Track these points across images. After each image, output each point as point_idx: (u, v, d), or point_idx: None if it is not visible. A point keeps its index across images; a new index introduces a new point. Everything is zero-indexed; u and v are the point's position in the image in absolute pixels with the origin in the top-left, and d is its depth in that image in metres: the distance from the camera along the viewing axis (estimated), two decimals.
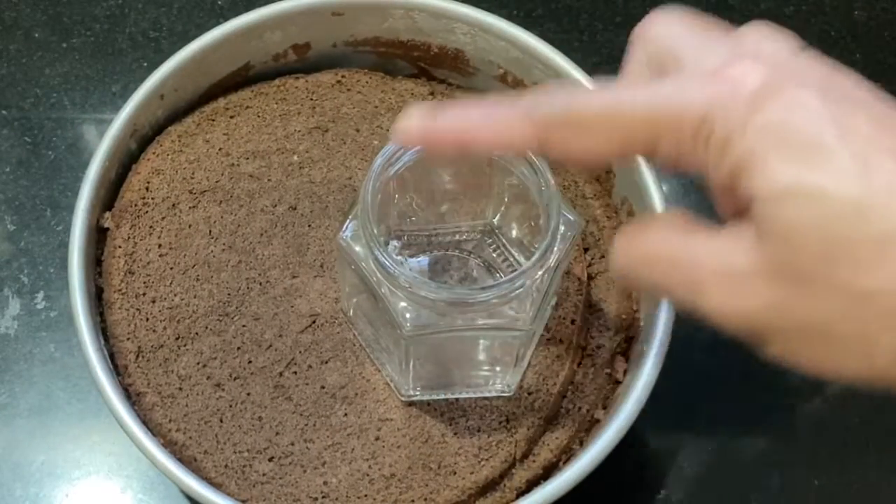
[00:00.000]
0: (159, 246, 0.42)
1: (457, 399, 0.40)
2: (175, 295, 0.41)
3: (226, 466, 0.38)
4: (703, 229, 0.28)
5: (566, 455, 0.40)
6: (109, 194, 0.44)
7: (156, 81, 0.44)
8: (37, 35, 0.54)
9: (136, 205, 0.43)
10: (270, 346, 0.40)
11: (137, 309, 0.41)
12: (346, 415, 0.39)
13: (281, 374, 0.40)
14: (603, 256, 0.43)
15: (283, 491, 0.38)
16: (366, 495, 0.38)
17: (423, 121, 0.30)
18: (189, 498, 0.42)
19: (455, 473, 0.38)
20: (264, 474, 0.38)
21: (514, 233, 0.40)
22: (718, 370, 0.47)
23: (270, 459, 0.38)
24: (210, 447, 0.39)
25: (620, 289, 0.42)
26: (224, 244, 0.42)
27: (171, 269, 0.42)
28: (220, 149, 0.45)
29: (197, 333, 0.41)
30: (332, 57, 0.48)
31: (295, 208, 0.43)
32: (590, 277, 0.43)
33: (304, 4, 0.45)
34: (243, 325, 0.41)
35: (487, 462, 0.39)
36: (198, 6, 0.56)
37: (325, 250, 0.42)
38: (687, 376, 0.46)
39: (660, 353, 0.38)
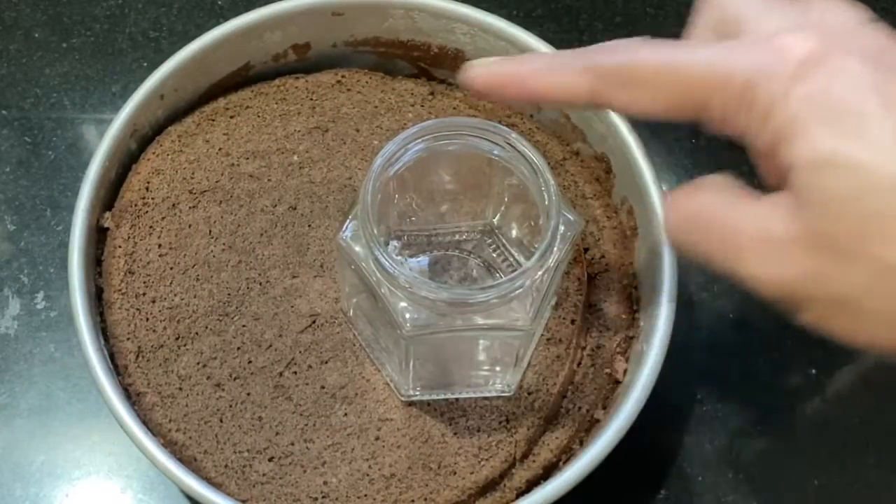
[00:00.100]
0: (159, 246, 0.42)
1: (457, 399, 0.40)
2: (175, 295, 0.41)
3: (226, 466, 0.38)
4: (747, 195, 0.28)
5: (566, 455, 0.40)
6: (109, 194, 0.44)
7: (156, 81, 0.44)
8: (37, 35, 0.54)
9: (136, 205, 0.43)
10: (270, 346, 0.40)
11: (137, 309, 0.41)
12: (346, 415, 0.39)
13: (281, 374, 0.40)
14: (603, 256, 0.43)
15: (283, 491, 0.38)
16: (366, 495, 0.38)
17: (489, 67, 0.31)
18: (189, 498, 0.42)
19: (455, 473, 0.38)
20: (264, 474, 0.38)
21: (514, 233, 0.40)
22: (718, 370, 0.47)
23: (270, 459, 0.38)
24: (210, 447, 0.39)
25: (620, 288, 0.43)
26: (224, 244, 0.42)
27: (171, 269, 0.42)
28: (220, 149, 0.45)
29: (197, 333, 0.41)
30: (332, 57, 0.48)
31: (295, 208, 0.43)
32: (590, 277, 0.43)
33: (304, 4, 0.45)
34: (243, 325, 0.41)
35: (487, 462, 0.39)
36: (198, 6, 0.56)
37: (325, 250, 0.42)
38: (687, 376, 0.46)
39: (660, 353, 0.38)
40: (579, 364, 0.41)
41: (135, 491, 0.44)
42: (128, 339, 0.40)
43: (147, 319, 0.41)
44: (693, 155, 0.52)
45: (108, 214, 0.43)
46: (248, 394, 0.40)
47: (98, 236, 0.43)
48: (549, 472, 0.39)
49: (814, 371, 0.47)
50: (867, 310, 0.26)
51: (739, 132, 0.28)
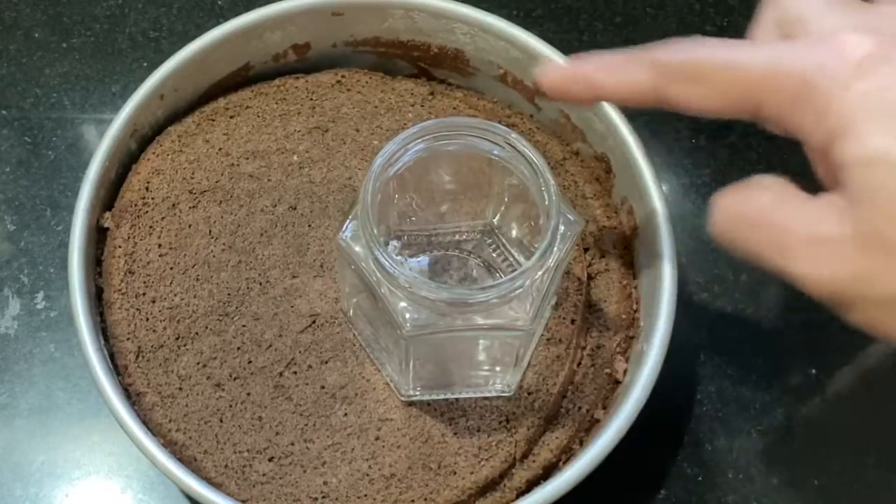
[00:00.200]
0: (159, 246, 0.42)
1: (457, 399, 0.40)
2: (175, 295, 0.41)
3: (226, 466, 0.38)
4: (798, 194, 0.28)
5: (566, 455, 0.40)
6: (109, 194, 0.44)
7: (156, 81, 0.44)
8: (37, 35, 0.54)
9: (136, 205, 0.43)
10: (270, 346, 0.40)
11: (137, 309, 0.41)
12: (346, 415, 0.39)
13: (281, 374, 0.40)
14: (603, 256, 0.43)
15: (283, 491, 0.38)
16: (366, 495, 0.38)
17: (557, 67, 0.33)
18: (189, 498, 0.42)
19: (455, 473, 0.38)
20: (264, 474, 0.38)
21: (514, 233, 0.40)
22: (718, 370, 0.47)
23: (270, 459, 0.38)
24: (210, 447, 0.39)
25: (620, 288, 0.43)
26: (224, 244, 0.42)
27: (171, 269, 0.42)
28: (220, 149, 0.45)
29: (197, 333, 0.41)
30: (332, 57, 0.48)
31: (295, 208, 0.43)
32: (590, 277, 0.43)
33: (304, 4, 0.45)
34: (243, 325, 0.41)
35: (487, 462, 0.39)
36: (198, 6, 0.56)
37: (325, 250, 0.42)
38: (687, 376, 0.46)
39: (660, 353, 0.38)
40: (579, 364, 0.41)
41: (135, 491, 0.44)
42: (128, 339, 0.40)
43: (147, 319, 0.41)
44: (693, 155, 0.52)
45: (108, 214, 0.43)
46: (248, 394, 0.40)
47: (98, 236, 0.43)
48: (549, 472, 0.39)
49: (814, 371, 0.47)
50: None
51: (795, 130, 0.28)
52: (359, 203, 0.34)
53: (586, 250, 0.43)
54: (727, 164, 0.51)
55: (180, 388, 0.40)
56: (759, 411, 0.46)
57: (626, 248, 0.44)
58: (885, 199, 0.25)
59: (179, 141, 0.45)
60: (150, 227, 0.43)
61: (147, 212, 0.43)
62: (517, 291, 0.33)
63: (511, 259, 0.40)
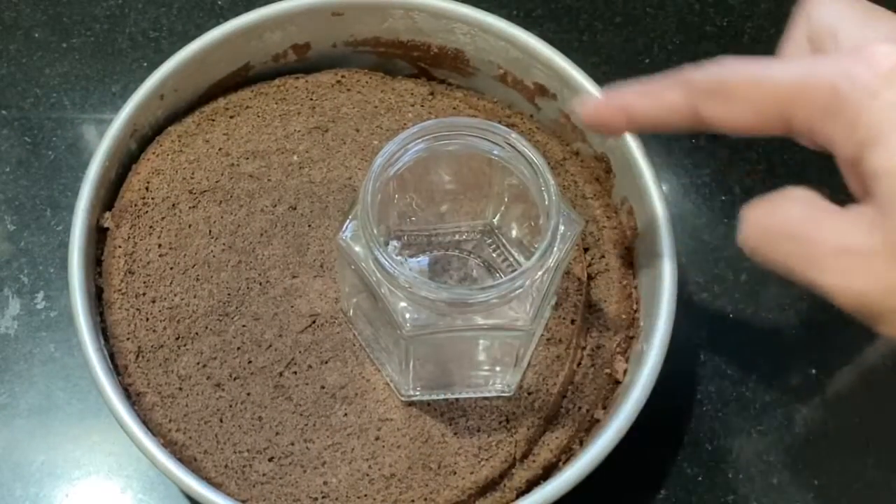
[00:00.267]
0: (159, 246, 0.42)
1: (457, 399, 0.40)
2: (175, 295, 0.41)
3: (226, 466, 0.38)
4: (828, 206, 0.28)
5: (566, 455, 0.40)
6: (109, 194, 0.44)
7: (156, 81, 0.44)
8: (37, 35, 0.54)
9: (136, 205, 0.43)
10: (270, 346, 0.40)
11: (137, 309, 0.41)
12: (346, 415, 0.39)
13: (281, 374, 0.40)
14: (603, 256, 0.43)
15: (283, 491, 0.38)
16: (366, 495, 0.38)
17: (595, 101, 0.33)
18: (189, 498, 0.42)
19: (455, 473, 0.38)
20: (264, 474, 0.38)
21: (514, 233, 0.40)
22: (718, 370, 0.47)
23: (270, 459, 0.38)
24: (210, 447, 0.39)
25: (620, 288, 0.43)
26: (224, 244, 0.42)
27: (171, 269, 0.42)
28: (220, 149, 0.45)
29: (197, 333, 0.41)
30: (332, 57, 0.48)
31: (295, 208, 0.43)
32: (590, 277, 0.43)
33: (304, 4, 0.45)
34: (243, 325, 0.41)
35: (487, 462, 0.39)
36: (198, 6, 0.56)
37: (325, 250, 0.42)
38: (687, 376, 0.46)
39: (660, 353, 0.38)
40: (579, 364, 0.41)
41: (135, 491, 0.44)
42: (128, 339, 0.40)
43: (147, 319, 0.41)
44: (693, 155, 0.52)
45: (108, 214, 0.43)
46: (248, 394, 0.40)
47: (98, 236, 0.43)
48: (549, 472, 0.39)
49: (814, 371, 0.47)
50: None
51: (826, 142, 0.28)
52: (359, 203, 0.34)
53: (586, 250, 0.43)
54: (727, 164, 0.51)
55: (180, 388, 0.40)
56: (759, 411, 0.46)
57: (626, 248, 0.44)
58: None
59: (179, 141, 0.45)
60: (150, 227, 0.43)
61: (147, 212, 0.43)
62: (517, 291, 0.33)
63: (511, 259, 0.40)
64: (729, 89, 0.29)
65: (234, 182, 0.44)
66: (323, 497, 0.38)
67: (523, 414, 0.39)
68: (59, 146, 0.51)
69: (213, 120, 0.46)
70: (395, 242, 0.40)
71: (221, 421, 0.39)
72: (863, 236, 0.26)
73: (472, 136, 0.35)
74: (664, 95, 0.31)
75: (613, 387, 0.41)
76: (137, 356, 0.40)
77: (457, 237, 0.41)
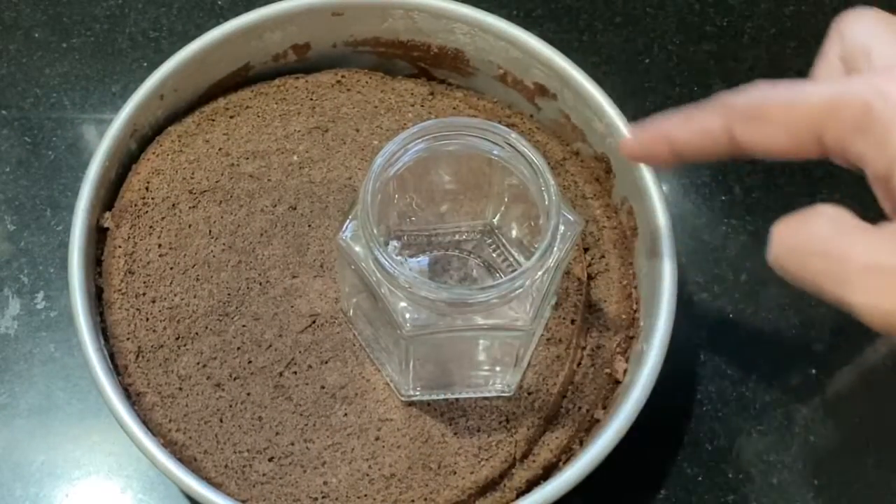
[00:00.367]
0: (159, 246, 0.42)
1: (457, 399, 0.40)
2: (175, 295, 0.41)
3: (226, 466, 0.38)
4: (858, 224, 0.28)
5: (566, 455, 0.40)
6: (109, 194, 0.44)
7: (156, 81, 0.44)
8: (37, 35, 0.54)
9: (136, 205, 0.43)
10: (270, 346, 0.40)
11: (137, 309, 0.41)
12: (346, 415, 0.39)
13: (281, 374, 0.40)
14: (603, 256, 0.43)
15: (283, 491, 0.38)
16: (366, 495, 0.38)
17: (635, 135, 0.34)
18: (189, 498, 0.42)
19: (455, 473, 0.38)
20: (264, 474, 0.38)
21: (514, 233, 0.40)
22: (718, 370, 0.47)
23: (270, 459, 0.38)
24: (210, 447, 0.39)
25: (620, 288, 0.43)
26: (224, 244, 0.42)
27: (171, 269, 0.42)
28: (220, 149, 0.45)
29: (197, 333, 0.41)
30: (332, 57, 0.48)
31: (295, 208, 0.43)
32: (590, 277, 0.43)
33: (304, 4, 0.45)
34: (243, 325, 0.41)
35: (487, 462, 0.39)
36: (198, 6, 0.56)
37: (325, 250, 0.42)
38: (687, 376, 0.46)
39: (660, 353, 0.38)
40: (579, 364, 0.41)
41: (135, 491, 0.44)
42: (128, 339, 0.40)
43: (147, 319, 0.41)
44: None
45: (108, 214, 0.43)
46: (248, 394, 0.40)
47: (98, 236, 0.43)
48: (549, 472, 0.39)
49: (814, 371, 0.47)
50: None
51: (857, 159, 0.28)
52: (359, 203, 0.34)
53: (586, 250, 0.43)
54: (727, 164, 0.51)
55: (180, 388, 0.40)
56: (759, 411, 0.46)
57: (626, 248, 0.44)
58: None
59: (179, 141, 0.45)
60: (150, 227, 0.43)
61: (147, 212, 0.43)
62: (517, 291, 0.33)
63: (511, 259, 0.40)
64: (763, 112, 0.29)
65: (234, 182, 0.44)
66: (323, 497, 0.38)
67: (523, 414, 0.39)
68: (59, 146, 0.51)
69: (213, 120, 0.46)
70: (395, 242, 0.40)
71: (221, 421, 0.39)
72: (894, 254, 0.26)
73: (472, 136, 0.35)
74: (702, 121, 0.31)
75: (613, 387, 0.41)
76: (137, 356, 0.40)
77: (457, 237, 0.41)
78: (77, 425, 0.45)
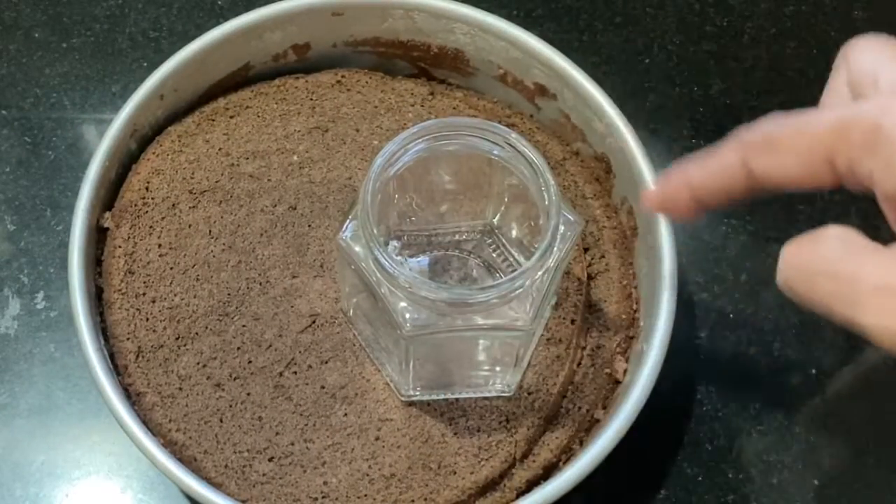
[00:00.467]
0: (159, 246, 0.42)
1: (457, 399, 0.40)
2: (175, 295, 0.41)
3: (226, 466, 0.38)
4: (868, 244, 0.28)
5: (566, 455, 0.40)
6: (109, 194, 0.44)
7: (156, 81, 0.44)
8: (37, 35, 0.54)
9: (136, 205, 0.43)
10: (270, 346, 0.40)
11: (137, 309, 0.41)
12: (346, 415, 0.39)
13: (281, 374, 0.40)
14: (603, 256, 0.43)
15: (283, 491, 0.38)
16: (366, 495, 0.38)
17: (655, 186, 0.34)
18: (189, 498, 0.42)
19: (455, 473, 0.38)
20: (264, 474, 0.38)
21: (514, 233, 0.40)
22: (718, 370, 0.47)
23: (270, 459, 0.38)
24: (210, 447, 0.39)
25: (620, 288, 0.43)
26: (224, 244, 0.42)
27: (171, 269, 0.42)
28: (220, 149, 0.45)
29: (197, 333, 0.41)
30: (332, 57, 0.48)
31: (295, 208, 0.43)
32: (590, 277, 0.43)
33: (304, 4, 0.45)
34: (243, 325, 0.41)
35: (487, 462, 0.39)
36: (198, 6, 0.56)
37: (325, 250, 0.42)
38: (687, 376, 0.46)
39: (660, 353, 0.38)
40: (579, 364, 0.41)
41: (135, 491, 0.44)
42: (128, 339, 0.40)
43: (147, 319, 0.41)
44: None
45: (108, 214, 0.43)
46: (248, 394, 0.40)
47: (98, 236, 0.43)
48: (549, 472, 0.39)
49: (814, 371, 0.47)
50: None
51: (866, 179, 0.28)
52: (359, 203, 0.34)
53: (586, 250, 0.43)
54: None
55: (180, 388, 0.40)
56: (759, 411, 0.46)
57: (626, 248, 0.44)
58: None
59: (179, 141, 0.45)
60: (150, 227, 0.43)
61: (147, 212, 0.43)
62: (517, 291, 0.33)
63: (511, 259, 0.40)
64: (775, 141, 0.29)
65: (234, 182, 0.44)
66: (323, 497, 0.38)
67: (523, 414, 0.39)
68: (59, 146, 0.51)
69: (213, 120, 0.46)
70: (395, 242, 0.40)
71: (221, 421, 0.39)
72: None
73: (472, 136, 0.35)
74: (719, 159, 0.31)
75: (613, 387, 0.41)
76: (137, 356, 0.40)
77: (457, 237, 0.41)
78: (77, 425, 0.45)
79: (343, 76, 0.47)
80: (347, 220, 0.35)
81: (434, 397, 0.39)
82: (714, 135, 0.52)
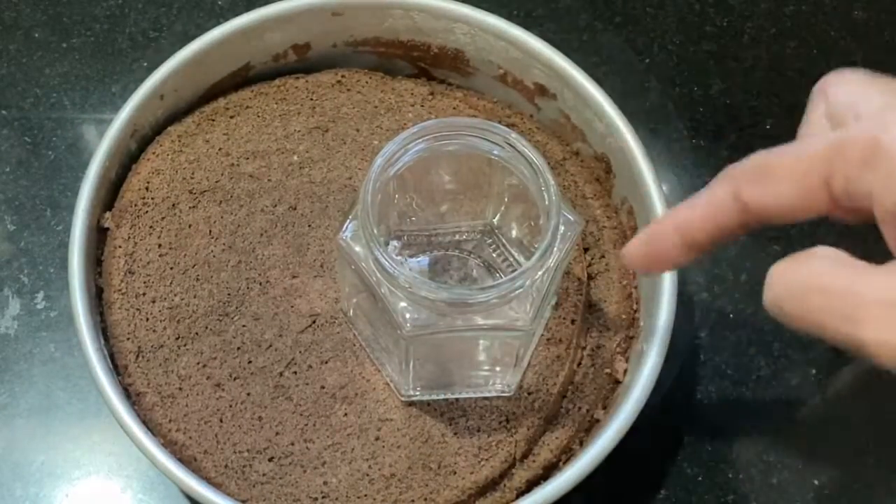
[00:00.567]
0: (159, 246, 0.42)
1: (457, 399, 0.40)
2: (175, 295, 0.41)
3: (226, 466, 0.38)
4: (860, 263, 0.27)
5: (566, 455, 0.40)
6: (109, 194, 0.44)
7: (156, 81, 0.44)
8: (37, 35, 0.54)
9: (136, 205, 0.43)
10: (270, 346, 0.40)
11: (137, 309, 0.41)
12: (346, 415, 0.39)
13: (281, 374, 0.40)
14: (603, 256, 0.43)
15: (283, 491, 0.38)
16: (366, 495, 0.38)
17: (639, 239, 0.33)
18: (189, 498, 0.42)
19: (455, 473, 0.38)
20: (264, 474, 0.38)
21: (514, 233, 0.40)
22: (718, 370, 0.47)
23: (270, 459, 0.38)
24: (210, 447, 0.39)
25: (620, 288, 0.43)
26: (224, 244, 0.42)
27: (171, 269, 0.42)
28: (220, 149, 0.45)
29: (197, 333, 0.41)
30: (332, 57, 0.48)
31: (295, 208, 0.43)
32: (590, 277, 0.43)
33: (304, 4, 0.45)
34: (243, 325, 0.41)
35: (487, 462, 0.39)
36: (198, 6, 0.56)
37: (325, 250, 0.42)
38: (687, 376, 0.46)
39: (660, 353, 0.38)
40: (579, 364, 0.41)
41: (135, 491, 0.44)
42: (128, 339, 0.40)
43: (147, 319, 0.41)
44: (693, 155, 0.52)
45: (108, 214, 0.43)
46: (248, 394, 0.40)
47: (98, 236, 0.43)
48: (549, 472, 0.39)
49: (814, 371, 0.47)
50: None
51: (864, 196, 0.27)
52: (359, 203, 0.34)
53: (586, 250, 0.43)
54: (727, 165, 0.51)
55: (180, 388, 0.40)
56: (759, 411, 0.46)
57: None
58: None
59: (179, 141, 0.45)
60: (150, 227, 0.43)
61: (147, 212, 0.43)
62: (517, 291, 0.33)
63: (511, 259, 0.40)
64: (770, 169, 0.29)
65: (234, 182, 0.44)
66: (323, 497, 0.38)
67: (523, 414, 0.39)
68: (59, 146, 0.51)
69: (213, 120, 0.46)
70: (395, 242, 0.40)
71: (221, 421, 0.39)
72: None
73: (472, 136, 0.35)
74: (708, 195, 0.31)
75: (613, 387, 0.41)
76: (137, 356, 0.40)
77: (457, 237, 0.41)
78: (77, 425, 0.45)
79: (343, 76, 0.47)
80: (347, 220, 0.35)
81: (434, 397, 0.39)
82: (714, 135, 0.52)
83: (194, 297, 0.41)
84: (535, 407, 0.40)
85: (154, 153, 0.44)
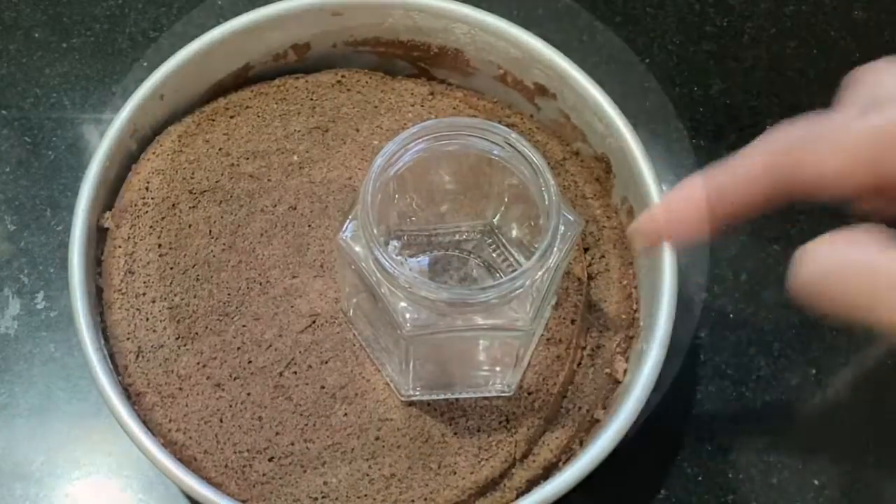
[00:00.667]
0: (159, 246, 0.42)
1: (457, 399, 0.40)
2: (175, 295, 0.41)
3: (226, 466, 0.38)
4: (890, 243, 0.27)
5: (566, 455, 0.40)
6: (109, 194, 0.44)
7: (156, 81, 0.44)
8: (37, 35, 0.54)
9: (136, 205, 0.43)
10: (270, 346, 0.40)
11: (137, 309, 0.41)
12: (346, 415, 0.39)
13: (281, 374, 0.40)
14: (603, 256, 0.43)
15: (283, 491, 0.38)
16: (366, 495, 0.38)
17: (659, 205, 0.31)
18: (189, 498, 0.42)
19: (455, 473, 0.38)
20: (264, 474, 0.38)
21: (514, 233, 0.40)
22: (718, 370, 0.47)
23: (270, 459, 0.38)
24: (210, 447, 0.39)
25: (620, 288, 0.43)
26: (224, 244, 0.42)
27: (171, 269, 0.42)
28: (220, 149, 0.45)
29: (197, 333, 0.41)
30: (332, 57, 0.48)
31: (295, 208, 0.43)
32: (590, 277, 0.43)
33: (304, 4, 0.45)
34: (243, 325, 0.41)
35: (487, 462, 0.39)
36: (198, 6, 0.56)
37: (325, 250, 0.42)
38: (687, 376, 0.46)
39: (660, 353, 0.38)
40: (579, 364, 0.41)
41: (135, 491, 0.44)
42: (128, 339, 0.40)
43: (147, 319, 0.41)
44: (693, 155, 0.52)
45: (108, 214, 0.43)
46: (248, 394, 0.40)
47: (98, 236, 0.43)
48: (549, 472, 0.39)
49: (814, 371, 0.47)
50: None
51: None
52: (359, 203, 0.34)
53: (586, 250, 0.43)
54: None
55: (180, 388, 0.40)
56: (759, 411, 0.46)
57: (626, 248, 0.44)
58: None
59: (179, 141, 0.45)
60: (150, 227, 0.43)
61: (147, 212, 0.43)
62: (517, 291, 0.33)
63: (511, 259, 0.40)
64: (817, 135, 0.28)
65: (234, 182, 0.44)
66: (323, 497, 0.38)
67: (523, 414, 0.39)
68: (59, 146, 0.51)
69: (213, 120, 0.46)
70: (395, 242, 0.40)
71: (221, 421, 0.39)
72: None
73: (472, 136, 0.35)
74: (742, 161, 0.29)
75: (613, 387, 0.41)
76: (137, 356, 0.40)
77: (457, 237, 0.41)
78: (77, 425, 0.45)
79: (343, 76, 0.47)
80: (347, 220, 0.35)
81: (434, 397, 0.39)
82: (714, 135, 0.52)
83: (194, 297, 0.41)
84: (535, 407, 0.40)
85: (154, 153, 0.44)
